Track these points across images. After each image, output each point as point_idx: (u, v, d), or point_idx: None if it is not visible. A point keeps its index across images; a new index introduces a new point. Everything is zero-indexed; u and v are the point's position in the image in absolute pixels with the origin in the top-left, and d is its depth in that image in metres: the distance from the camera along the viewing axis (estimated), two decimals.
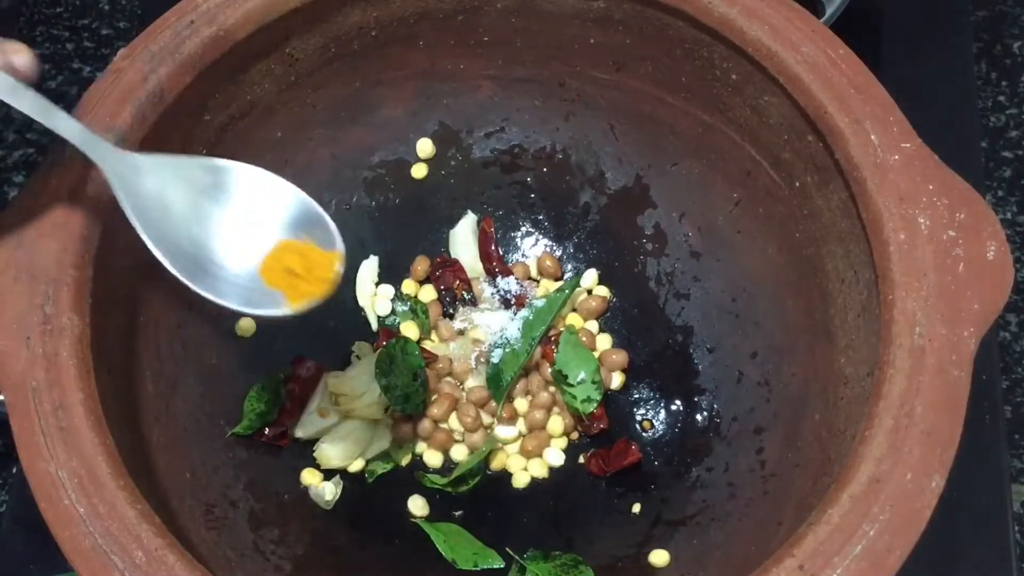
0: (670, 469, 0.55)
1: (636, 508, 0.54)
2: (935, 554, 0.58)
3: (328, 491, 0.54)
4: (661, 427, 0.56)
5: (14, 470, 0.62)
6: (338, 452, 0.54)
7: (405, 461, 0.56)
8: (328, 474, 0.54)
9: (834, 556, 0.39)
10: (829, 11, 0.63)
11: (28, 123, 0.74)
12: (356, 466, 0.55)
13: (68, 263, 0.44)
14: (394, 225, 0.60)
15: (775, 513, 0.48)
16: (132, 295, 0.50)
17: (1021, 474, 0.63)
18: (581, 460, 0.56)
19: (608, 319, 0.59)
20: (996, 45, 0.76)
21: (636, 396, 0.57)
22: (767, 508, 0.49)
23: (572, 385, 0.55)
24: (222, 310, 0.55)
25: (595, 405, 0.55)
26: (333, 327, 0.58)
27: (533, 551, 0.52)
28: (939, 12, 0.75)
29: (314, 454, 0.55)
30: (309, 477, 0.54)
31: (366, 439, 0.55)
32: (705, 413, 0.55)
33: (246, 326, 0.56)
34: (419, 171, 0.60)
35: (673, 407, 0.56)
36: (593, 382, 0.55)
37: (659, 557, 0.51)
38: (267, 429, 0.54)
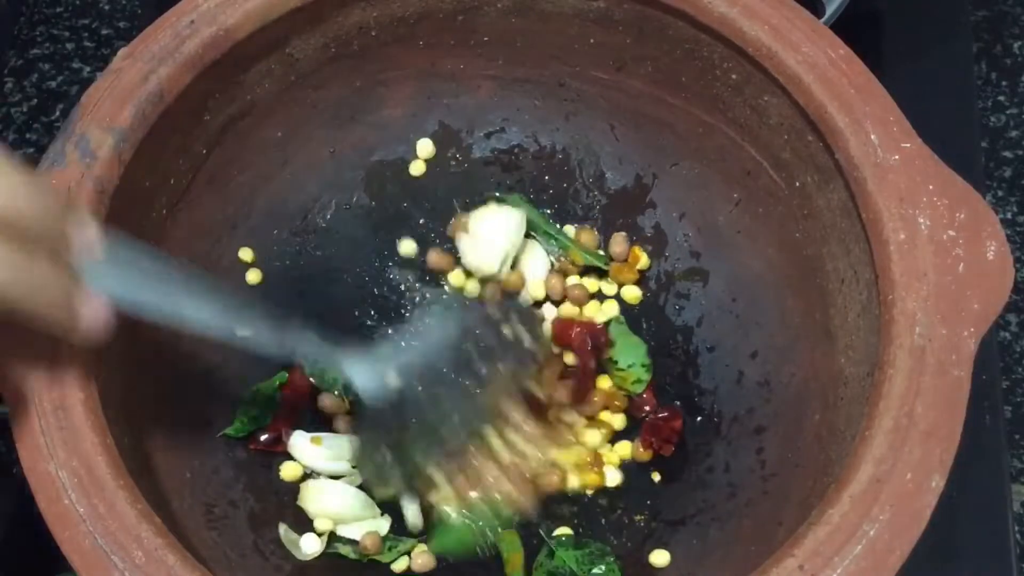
0: (670, 469, 0.55)
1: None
2: (935, 554, 0.58)
3: (309, 544, 0.51)
4: None
5: (14, 470, 0.62)
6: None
7: None
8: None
9: (834, 556, 0.39)
10: (829, 11, 0.63)
11: (28, 123, 0.74)
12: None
13: None
14: (394, 225, 0.60)
15: (775, 513, 0.48)
16: None
17: (1021, 474, 0.63)
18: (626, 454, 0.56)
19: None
20: (996, 45, 0.76)
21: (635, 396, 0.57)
22: (767, 508, 0.49)
23: (623, 369, 0.56)
24: None
25: (645, 385, 0.56)
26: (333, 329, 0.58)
27: (562, 536, 0.52)
28: (939, 12, 0.75)
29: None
30: (290, 471, 0.54)
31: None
32: (705, 413, 0.55)
33: None
34: (417, 168, 0.60)
35: (673, 407, 0.56)
36: (643, 365, 0.56)
37: (659, 557, 0.51)
38: (262, 437, 0.54)
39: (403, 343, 0.49)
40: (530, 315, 0.55)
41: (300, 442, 0.54)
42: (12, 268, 0.35)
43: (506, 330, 0.51)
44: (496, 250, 0.57)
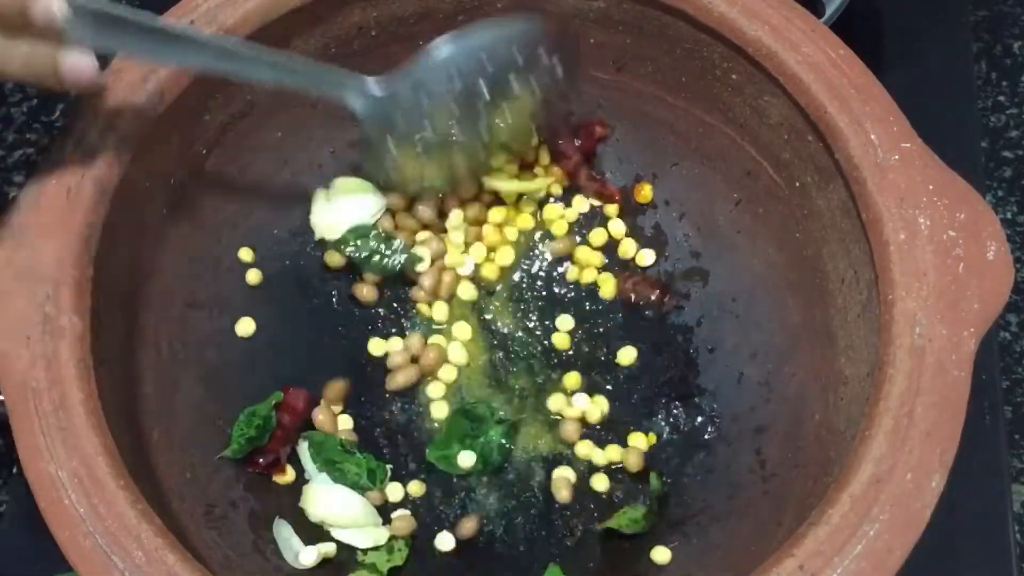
0: (670, 469, 0.55)
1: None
2: (935, 554, 0.58)
3: (307, 556, 0.50)
4: (661, 427, 0.56)
5: (14, 470, 0.62)
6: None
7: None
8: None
9: (834, 556, 0.39)
10: (829, 11, 0.63)
11: (28, 123, 0.74)
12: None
13: (68, 263, 0.44)
14: None
15: (775, 513, 0.48)
16: (132, 295, 0.50)
17: (1021, 474, 0.63)
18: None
19: (607, 319, 0.59)
20: (996, 45, 0.76)
21: (636, 396, 0.57)
22: (767, 508, 0.49)
23: None
24: (223, 310, 0.56)
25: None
26: (330, 340, 0.58)
27: None
28: (939, 12, 0.75)
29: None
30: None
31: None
32: (705, 413, 0.55)
33: (246, 326, 0.56)
34: None
35: (673, 407, 0.56)
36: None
37: (661, 555, 0.51)
38: (260, 459, 0.53)
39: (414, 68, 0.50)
40: (572, 51, 0.53)
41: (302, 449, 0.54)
42: None
43: (540, 54, 0.51)
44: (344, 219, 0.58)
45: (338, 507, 0.52)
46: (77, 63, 0.42)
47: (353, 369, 0.57)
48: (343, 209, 0.58)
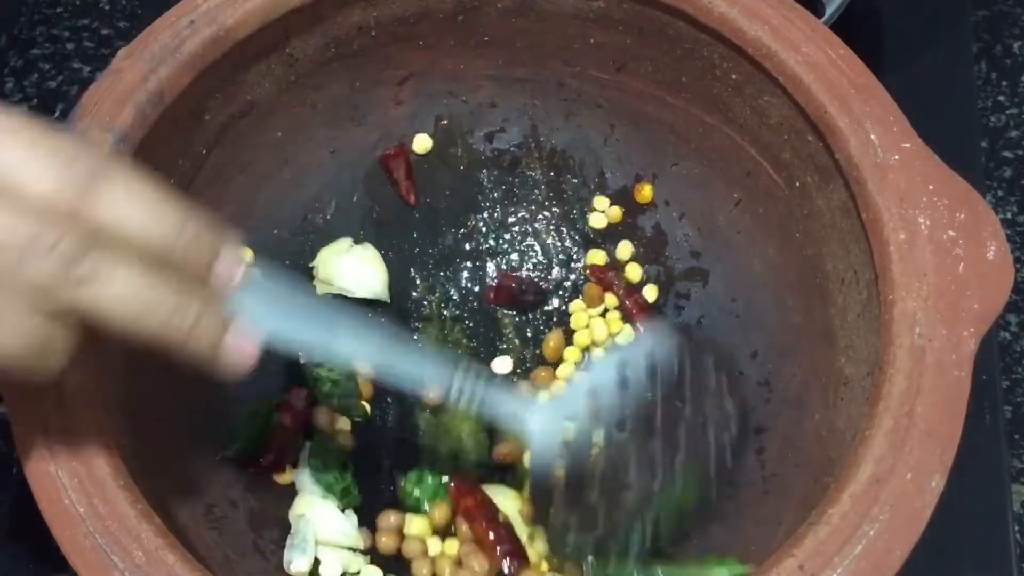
0: None
1: None
2: (935, 554, 0.57)
3: (299, 564, 0.51)
4: None
5: (14, 470, 0.62)
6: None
7: None
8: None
9: (834, 556, 0.39)
10: (829, 11, 0.63)
11: None
12: None
13: None
14: (394, 225, 0.60)
15: (775, 513, 0.48)
16: None
17: (1021, 474, 0.63)
18: None
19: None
20: (996, 45, 0.76)
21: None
22: (767, 508, 0.49)
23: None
24: None
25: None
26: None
27: None
28: (939, 12, 0.75)
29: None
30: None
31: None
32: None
33: None
34: (422, 145, 0.60)
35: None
36: None
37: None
38: (260, 459, 0.53)
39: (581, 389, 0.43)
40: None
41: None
42: (150, 298, 0.33)
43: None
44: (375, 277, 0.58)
45: (318, 523, 0.52)
46: (244, 340, 0.36)
47: None
48: (342, 267, 0.57)
